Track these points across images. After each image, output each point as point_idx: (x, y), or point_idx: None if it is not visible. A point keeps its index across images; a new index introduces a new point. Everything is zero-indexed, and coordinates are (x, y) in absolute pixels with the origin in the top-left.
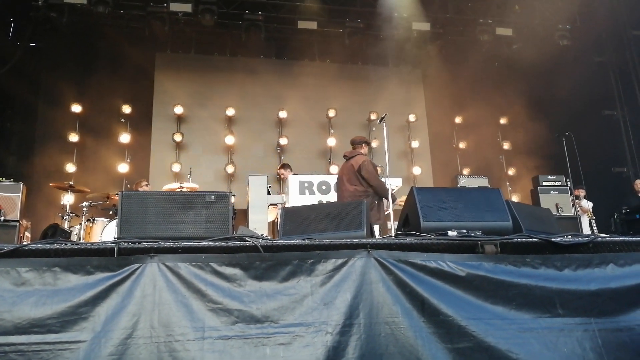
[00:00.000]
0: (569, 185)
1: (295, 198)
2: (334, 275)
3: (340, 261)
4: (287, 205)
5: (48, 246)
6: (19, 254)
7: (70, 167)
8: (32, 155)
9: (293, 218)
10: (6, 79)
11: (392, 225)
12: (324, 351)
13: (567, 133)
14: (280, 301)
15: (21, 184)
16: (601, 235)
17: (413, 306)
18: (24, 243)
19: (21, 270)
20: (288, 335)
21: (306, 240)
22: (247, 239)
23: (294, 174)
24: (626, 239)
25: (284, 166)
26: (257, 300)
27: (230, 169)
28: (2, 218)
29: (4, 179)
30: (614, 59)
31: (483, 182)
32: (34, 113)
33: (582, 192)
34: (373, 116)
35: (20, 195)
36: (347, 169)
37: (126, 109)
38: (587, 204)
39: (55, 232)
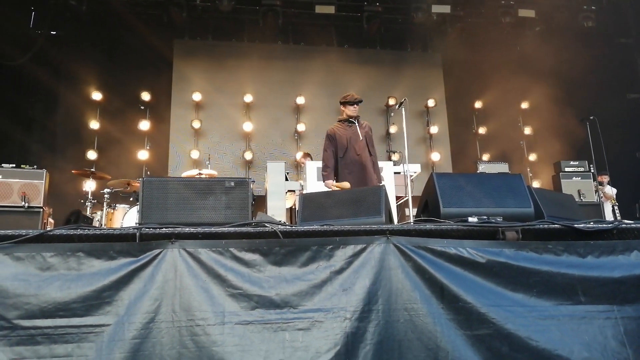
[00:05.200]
0: (592, 171)
1: (313, 184)
2: (353, 261)
3: (359, 247)
4: (305, 192)
5: (72, 231)
6: (43, 239)
7: (92, 154)
8: (54, 142)
9: (311, 204)
10: (28, 67)
11: (411, 211)
12: (343, 337)
13: (591, 117)
14: (299, 287)
15: (44, 171)
16: (625, 221)
17: (432, 292)
18: (48, 229)
19: (46, 255)
20: (307, 320)
21: (325, 226)
22: (266, 224)
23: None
24: None
25: (306, 155)
26: (276, 285)
27: (248, 155)
28: (27, 204)
29: (27, 166)
30: None
31: (503, 168)
32: (55, 101)
33: (606, 178)
34: (392, 101)
35: (43, 182)
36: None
37: (145, 96)
38: (612, 190)
39: (78, 218)
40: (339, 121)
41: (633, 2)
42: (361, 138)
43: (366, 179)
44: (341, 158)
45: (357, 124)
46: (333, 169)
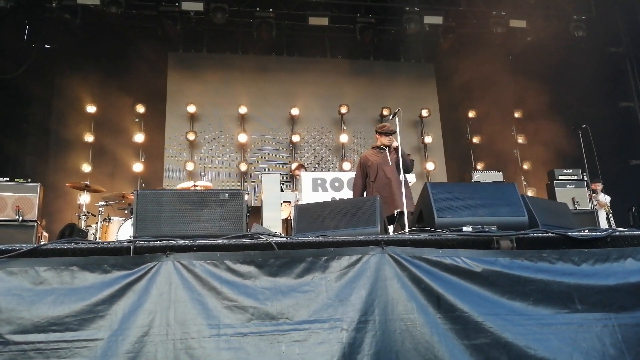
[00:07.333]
0: (585, 179)
1: (309, 195)
2: (349, 271)
3: (354, 258)
4: (300, 203)
5: (65, 245)
6: (37, 253)
7: (86, 167)
8: (48, 155)
9: (307, 215)
10: (22, 80)
11: (406, 221)
12: (340, 348)
13: (583, 126)
14: (295, 298)
15: (38, 184)
16: (619, 229)
17: (428, 302)
18: (42, 243)
19: (39, 270)
20: (303, 332)
21: (320, 237)
22: (261, 236)
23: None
24: None
25: (300, 167)
26: (271, 297)
27: (243, 167)
28: (21, 218)
29: (21, 179)
30: (631, 49)
31: (497, 176)
32: (49, 114)
33: (599, 186)
34: (386, 112)
35: (37, 195)
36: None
37: (140, 108)
38: (605, 198)
39: (72, 231)
40: (372, 148)
41: (623, 12)
42: (390, 163)
43: (394, 198)
44: (373, 182)
45: (387, 151)
46: (360, 193)
